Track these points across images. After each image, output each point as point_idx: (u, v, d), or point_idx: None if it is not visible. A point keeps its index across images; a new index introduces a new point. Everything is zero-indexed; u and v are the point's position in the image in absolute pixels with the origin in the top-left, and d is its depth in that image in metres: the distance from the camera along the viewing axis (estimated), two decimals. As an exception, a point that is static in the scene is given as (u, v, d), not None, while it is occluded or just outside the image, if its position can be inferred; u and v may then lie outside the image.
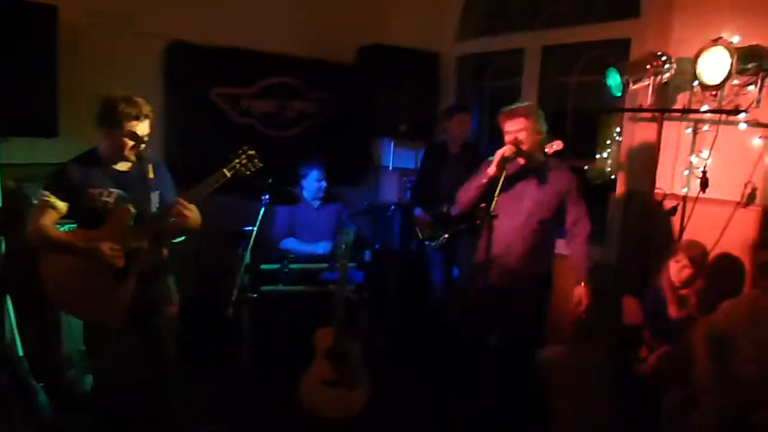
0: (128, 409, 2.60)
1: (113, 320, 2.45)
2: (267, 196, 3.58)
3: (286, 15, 4.50)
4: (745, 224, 3.23)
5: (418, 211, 4.09)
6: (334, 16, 4.70)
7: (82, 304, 2.47)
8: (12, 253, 3.38)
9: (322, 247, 3.98)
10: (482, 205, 2.47)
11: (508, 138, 2.98)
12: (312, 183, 4.06)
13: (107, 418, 2.55)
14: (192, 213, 2.50)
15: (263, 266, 3.61)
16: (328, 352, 3.24)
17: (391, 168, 4.85)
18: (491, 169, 2.88)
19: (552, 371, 2.11)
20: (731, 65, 2.83)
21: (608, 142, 4.56)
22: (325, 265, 3.71)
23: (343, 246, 3.35)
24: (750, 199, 3.21)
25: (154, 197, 2.60)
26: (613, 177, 4.44)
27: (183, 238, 2.68)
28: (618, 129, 4.40)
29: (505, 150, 2.88)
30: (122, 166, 2.57)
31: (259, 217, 3.47)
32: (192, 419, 2.80)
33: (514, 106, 3.05)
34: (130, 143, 2.48)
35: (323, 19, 4.66)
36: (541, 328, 3.23)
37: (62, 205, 2.47)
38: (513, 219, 3.00)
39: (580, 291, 3.04)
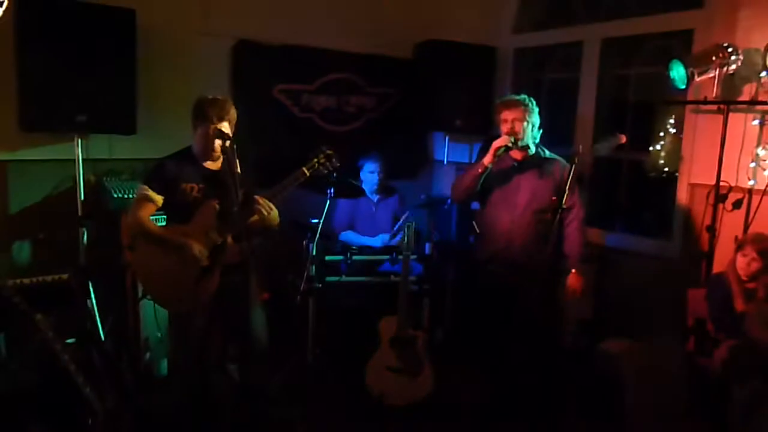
0: (209, 390, 2.76)
1: (198, 310, 2.60)
2: (332, 190, 3.71)
3: (345, 12, 4.60)
4: (816, 217, 3.18)
5: (475, 205, 4.13)
6: (392, 13, 4.78)
7: (169, 294, 2.63)
8: (93, 242, 3.61)
9: (380, 240, 4.07)
10: (553, 198, 2.52)
11: (505, 126, 3.05)
12: (366, 175, 4.16)
13: (189, 399, 2.71)
14: (271, 211, 2.63)
15: (327, 257, 3.74)
16: (393, 340, 3.34)
17: (446, 162, 4.91)
18: (486, 159, 2.97)
19: (624, 364, 2.14)
20: (805, 56, 2.78)
21: (662, 134, 4.52)
22: (387, 256, 3.81)
23: (406, 238, 3.44)
24: (820, 191, 3.17)
25: (240, 195, 2.69)
26: (666, 169, 4.39)
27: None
28: (672, 121, 4.36)
29: (501, 140, 2.96)
30: (212, 165, 2.73)
31: (325, 210, 3.61)
32: (265, 403, 2.93)
33: (510, 97, 3.14)
34: (214, 141, 2.61)
35: (382, 15, 4.74)
36: (554, 317, 3.27)
37: (158, 198, 2.64)
38: (511, 211, 3.06)
39: (572, 279, 3.07)
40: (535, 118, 3.10)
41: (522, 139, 3.00)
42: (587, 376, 3.42)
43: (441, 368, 3.44)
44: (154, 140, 3.79)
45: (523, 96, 3.14)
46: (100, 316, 3.50)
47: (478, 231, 4.03)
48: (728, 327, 3.10)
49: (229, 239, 2.63)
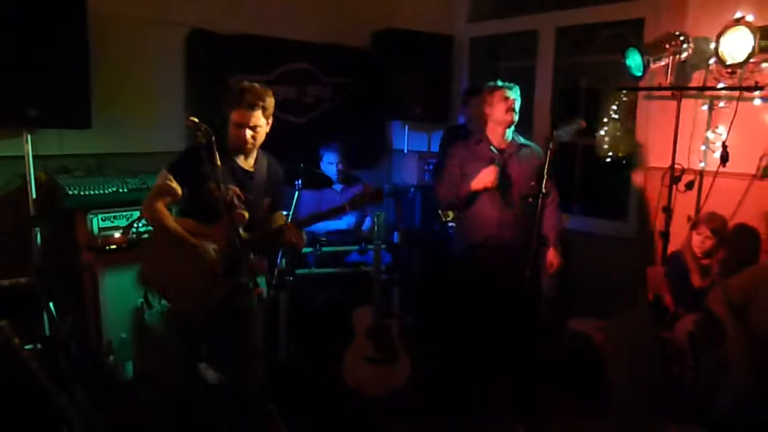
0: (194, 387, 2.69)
1: (201, 312, 2.48)
2: (299, 181, 3.67)
3: (301, 1, 4.54)
4: (761, 195, 3.39)
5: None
6: (348, 1, 4.75)
7: (177, 290, 2.46)
8: (48, 243, 3.42)
9: (345, 222, 4.06)
10: (532, 183, 2.58)
11: (505, 105, 3.10)
12: (326, 166, 4.14)
13: (177, 398, 2.63)
14: (301, 241, 2.52)
15: (296, 250, 3.69)
16: (368, 331, 3.34)
17: (406, 151, 4.93)
18: (476, 186, 3.07)
19: (604, 341, 2.23)
20: (755, 44, 2.95)
21: (605, 120, 4.70)
22: (357, 247, 3.80)
23: (376, 228, 3.44)
24: (765, 171, 3.37)
25: (267, 202, 2.60)
26: (611, 153, 4.58)
27: None
28: (614, 107, 4.54)
29: (491, 180, 3.04)
30: (245, 164, 2.55)
31: (293, 202, 3.57)
32: (243, 398, 2.88)
33: (504, 82, 3.21)
34: (241, 131, 2.42)
35: (338, 4, 4.70)
36: (538, 299, 3.42)
37: (180, 190, 2.42)
38: (499, 200, 3.13)
39: (551, 255, 3.24)
40: None
41: (515, 121, 3.09)
42: (560, 354, 3.55)
43: (415, 355, 3.47)
44: (107, 134, 3.65)
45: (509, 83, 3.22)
46: (60, 320, 3.35)
47: (444, 220, 4.11)
48: (687, 302, 3.28)
49: (248, 254, 2.41)
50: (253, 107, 2.40)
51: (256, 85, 2.48)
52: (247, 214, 2.46)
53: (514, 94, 3.13)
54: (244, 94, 2.41)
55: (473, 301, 3.10)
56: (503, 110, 3.05)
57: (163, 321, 2.69)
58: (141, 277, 2.62)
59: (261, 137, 2.51)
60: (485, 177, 3.05)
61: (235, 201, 2.45)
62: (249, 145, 2.47)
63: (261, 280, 2.61)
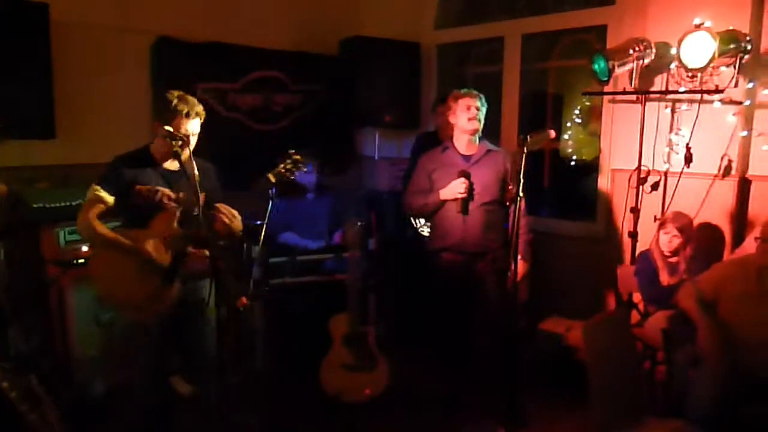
0: (163, 400, 2.64)
1: (155, 319, 2.49)
2: (273, 190, 3.62)
3: (268, 9, 4.52)
4: (723, 194, 3.51)
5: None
6: (316, 9, 4.75)
7: (127, 301, 2.49)
8: (12, 258, 3.31)
9: (316, 244, 4.03)
10: (510, 186, 2.62)
11: (467, 114, 3.14)
12: (302, 175, 4.09)
13: (144, 410, 2.58)
14: (234, 219, 2.57)
15: (271, 260, 3.65)
16: (346, 338, 3.33)
17: (377, 157, 4.94)
18: (444, 197, 3.13)
19: (586, 341, 2.27)
20: (716, 48, 3.06)
21: (569, 124, 4.82)
22: (332, 255, 3.78)
23: (351, 236, 3.43)
24: (726, 171, 3.50)
25: (201, 198, 2.61)
26: (575, 157, 4.69)
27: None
28: (577, 112, 4.65)
29: (462, 192, 3.08)
30: (172, 166, 2.59)
31: (268, 211, 3.51)
32: (219, 411, 2.83)
33: (468, 89, 3.25)
34: (180, 140, 2.47)
35: (306, 12, 4.69)
36: (514, 301, 3.46)
37: (110, 199, 2.48)
38: (466, 203, 3.15)
39: (519, 265, 3.16)
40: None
41: (480, 128, 3.12)
42: (533, 355, 3.60)
43: (393, 361, 3.46)
44: (73, 144, 3.56)
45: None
46: (27, 338, 3.24)
47: (416, 226, 4.13)
48: (656, 299, 3.36)
49: (190, 247, 2.52)
50: (189, 116, 2.50)
51: (188, 95, 2.59)
52: (178, 212, 2.51)
53: (478, 102, 3.16)
54: (180, 103, 2.51)
55: (446, 305, 3.12)
56: (466, 119, 3.10)
57: (120, 332, 2.70)
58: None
59: (193, 143, 2.59)
60: (455, 189, 3.09)
61: (165, 200, 2.52)
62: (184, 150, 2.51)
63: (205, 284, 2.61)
